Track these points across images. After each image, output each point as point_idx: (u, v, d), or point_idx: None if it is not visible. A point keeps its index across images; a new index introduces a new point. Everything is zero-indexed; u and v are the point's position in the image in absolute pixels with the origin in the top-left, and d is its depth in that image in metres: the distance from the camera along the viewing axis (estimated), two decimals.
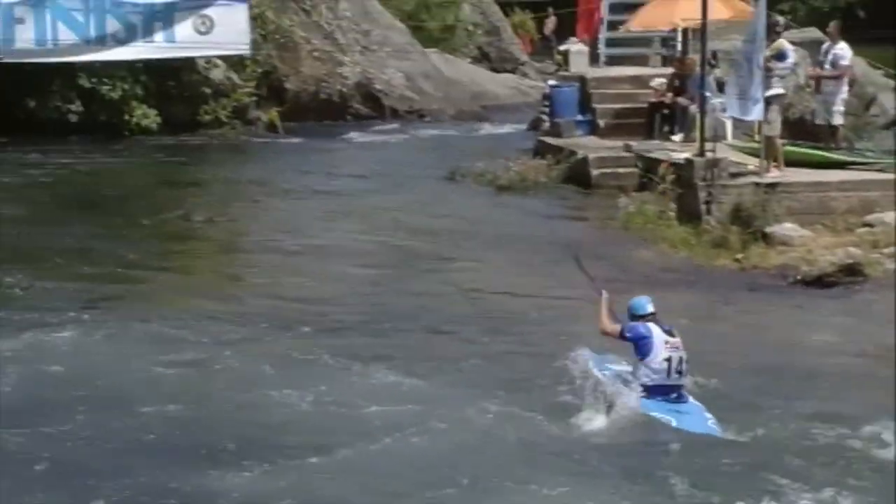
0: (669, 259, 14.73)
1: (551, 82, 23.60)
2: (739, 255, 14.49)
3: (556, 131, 21.48)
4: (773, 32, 16.50)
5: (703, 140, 16.26)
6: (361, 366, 10.57)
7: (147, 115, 24.58)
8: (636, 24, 21.79)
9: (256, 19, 25.76)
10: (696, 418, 9.01)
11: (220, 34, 23.58)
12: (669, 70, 21.23)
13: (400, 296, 13.19)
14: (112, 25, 22.90)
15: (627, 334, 9.26)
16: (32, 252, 14.95)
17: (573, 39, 25.00)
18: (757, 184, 15.55)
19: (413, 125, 28.64)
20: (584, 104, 21.58)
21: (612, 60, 23.69)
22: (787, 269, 13.84)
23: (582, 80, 22.00)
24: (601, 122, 21.26)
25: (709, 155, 15.86)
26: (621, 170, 19.02)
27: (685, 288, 13.64)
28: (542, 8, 35.35)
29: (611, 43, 23.81)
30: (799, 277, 13.61)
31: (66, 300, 12.63)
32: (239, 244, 16.72)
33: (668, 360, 9.10)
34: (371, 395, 9.84)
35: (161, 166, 22.26)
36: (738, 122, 18.26)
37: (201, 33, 23.48)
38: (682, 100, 19.75)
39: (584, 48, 23.74)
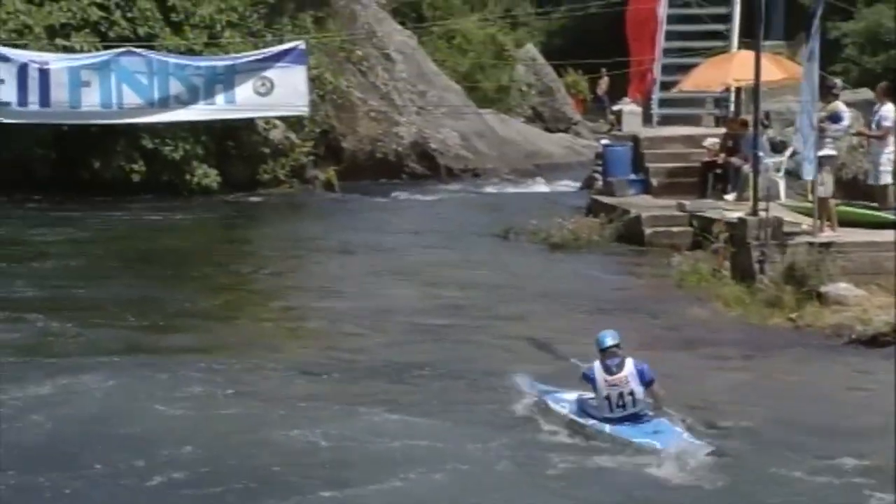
0: (723, 317, 14.79)
1: (604, 142, 23.82)
2: (793, 315, 14.50)
3: (609, 190, 21.66)
4: (829, 94, 16.65)
5: (756, 199, 16.34)
6: (386, 411, 10.84)
7: (207, 175, 25.05)
8: (689, 84, 21.98)
9: (315, 80, 26.23)
10: (668, 434, 9.70)
11: (279, 95, 24.03)
12: (722, 130, 21.38)
13: (442, 346, 13.38)
14: (175, 87, 23.44)
15: (583, 377, 10.24)
16: (87, 302, 15.54)
17: (626, 99, 25.23)
18: (811, 243, 15.59)
19: (467, 184, 28.94)
20: (637, 163, 21.77)
21: (665, 120, 23.89)
22: (841, 328, 13.83)
23: (635, 139, 22.20)
24: (654, 181, 21.41)
25: (762, 214, 15.92)
26: (674, 228, 19.14)
27: (739, 346, 13.70)
28: (595, 68, 35.60)
29: (663, 103, 24.01)
30: (853, 337, 13.60)
31: (107, 347, 13.10)
32: (287, 296, 17.00)
33: (608, 397, 9.91)
34: (396, 436, 10.15)
35: (219, 224, 22.72)
36: (791, 182, 18.36)
37: (261, 94, 23.95)
38: (735, 159, 19.89)
39: (637, 108, 23.95)
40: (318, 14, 29.10)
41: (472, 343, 13.57)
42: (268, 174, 26.25)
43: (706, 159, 20.55)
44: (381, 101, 30.15)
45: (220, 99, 23.80)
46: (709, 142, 20.82)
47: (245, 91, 23.89)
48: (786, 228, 15.96)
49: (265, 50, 24.50)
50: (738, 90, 22.00)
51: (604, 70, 35.29)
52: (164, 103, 23.49)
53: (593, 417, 10.04)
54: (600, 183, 22.54)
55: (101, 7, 24.45)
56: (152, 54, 23.55)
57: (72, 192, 24.07)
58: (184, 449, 9.99)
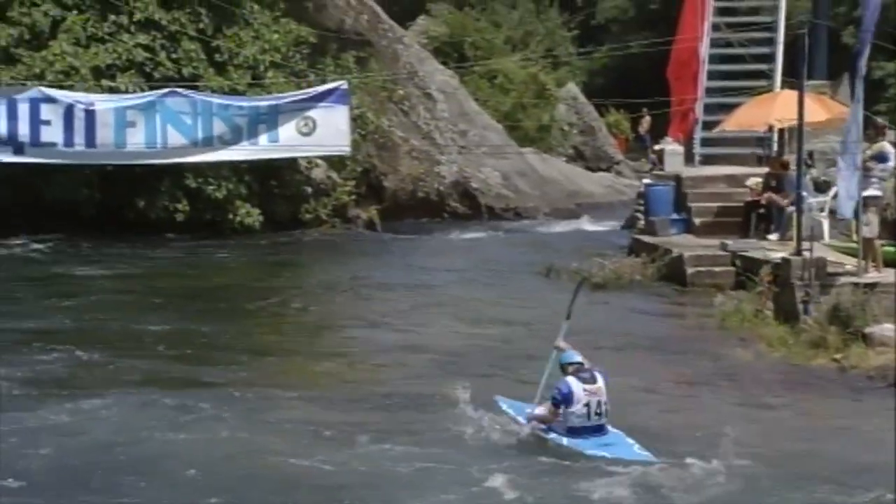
0: (766, 358, 14.68)
1: (646, 181, 23.78)
2: (838, 356, 14.37)
3: (651, 230, 21.60)
4: (878, 134, 16.56)
5: (799, 239, 16.26)
6: (399, 443, 10.93)
7: (250, 214, 25.22)
8: (732, 124, 21.92)
9: (357, 120, 26.38)
10: (623, 448, 10.32)
11: (321, 135, 24.10)
12: (765, 170, 21.30)
13: (473, 381, 13.30)
14: (219, 128, 23.56)
15: (557, 400, 10.59)
16: (121, 334, 15.85)
17: (668, 139, 25.20)
18: (855, 284, 15.47)
19: (509, 223, 28.99)
20: (680, 203, 21.71)
21: (708, 160, 23.84)
22: (886, 370, 13.67)
23: (677, 178, 22.15)
24: (697, 221, 21.35)
25: (806, 254, 15.83)
26: (717, 268, 19.06)
27: (783, 387, 13.59)
28: (637, 107, 35.64)
29: (706, 142, 23.96)
30: None
31: (133, 376, 13.40)
32: (321, 332, 17.10)
33: (588, 405, 10.50)
34: (401, 464, 10.31)
35: (260, 262, 22.85)
36: (835, 222, 18.24)
37: (304, 134, 24.03)
38: (778, 199, 19.79)
39: (679, 147, 23.92)
40: (361, 54, 29.35)
41: (503, 379, 13.50)
42: (310, 213, 26.42)
43: (749, 199, 20.47)
44: (423, 141, 30.30)
45: (263, 139, 23.89)
46: (752, 181, 20.74)
47: (288, 131, 23.98)
48: (830, 269, 15.86)
49: (308, 90, 24.61)
50: (782, 130, 21.92)
51: (645, 109, 35.35)
52: (208, 143, 23.62)
53: (554, 429, 10.61)
54: (642, 222, 22.48)
55: (147, 48, 24.76)
56: (196, 95, 23.72)
57: (117, 232, 24.37)
58: (188, 473, 10.15)
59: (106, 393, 12.50)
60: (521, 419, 11.11)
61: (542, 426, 10.80)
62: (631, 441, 10.46)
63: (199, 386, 13.12)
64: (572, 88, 40.08)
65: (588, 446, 10.36)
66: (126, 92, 24.01)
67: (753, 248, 18.85)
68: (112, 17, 24.79)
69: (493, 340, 15.81)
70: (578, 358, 10.74)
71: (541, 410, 10.91)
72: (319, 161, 26.57)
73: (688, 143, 24.09)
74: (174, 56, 25.02)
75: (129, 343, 15.26)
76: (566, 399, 10.54)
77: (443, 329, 16.54)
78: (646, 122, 37.95)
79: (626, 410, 12.33)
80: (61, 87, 23.30)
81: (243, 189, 25.31)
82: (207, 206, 25.03)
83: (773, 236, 19.51)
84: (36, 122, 22.73)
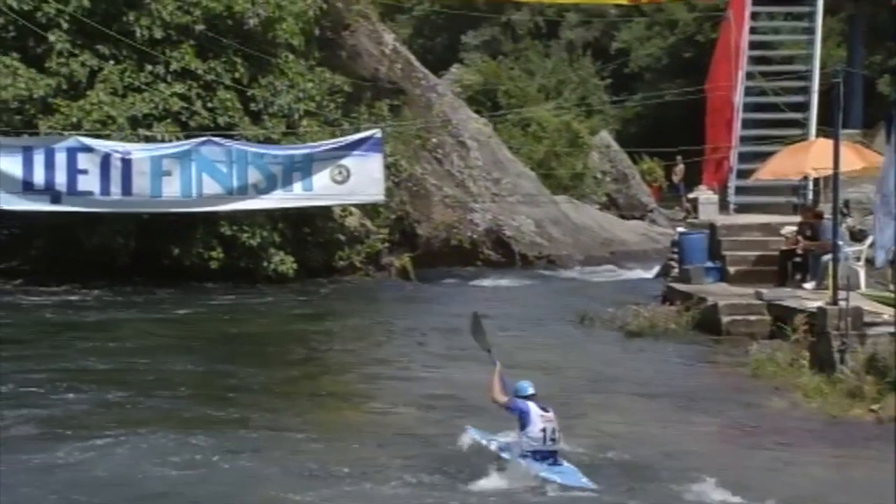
0: (802, 408, 14.52)
1: (680, 229, 23.72)
2: (875, 406, 14.21)
3: (685, 278, 21.52)
4: None
5: (835, 288, 16.12)
6: (401, 483, 11.09)
7: (284, 262, 25.30)
8: (766, 173, 21.84)
9: (390, 167, 26.50)
10: (573, 476, 11.11)
11: (355, 183, 24.26)
12: (800, 218, 21.20)
13: (496, 427, 13.34)
14: (253, 176, 23.76)
15: (511, 406, 11.36)
16: (150, 376, 16.06)
17: (702, 187, 25.16)
18: (892, 333, 15.31)
19: (542, 270, 28.96)
20: (714, 251, 21.62)
21: (742, 208, 23.76)
22: None
23: (711, 227, 22.08)
24: (731, 270, 21.25)
25: (842, 304, 15.70)
26: (752, 317, 18.94)
27: (819, 438, 13.43)
28: (671, 155, 35.65)
29: (740, 191, 23.90)
30: None
31: (155, 416, 13.68)
32: (347, 376, 17.11)
33: (544, 430, 11.17)
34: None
35: (293, 309, 22.86)
36: (871, 271, 18.11)
37: (338, 182, 24.18)
38: (813, 248, 19.69)
39: (713, 196, 23.87)
40: (395, 102, 29.53)
41: None
42: (343, 261, 26.49)
43: (784, 247, 20.37)
44: (456, 188, 30.38)
45: (297, 187, 24.07)
46: (787, 230, 20.65)
47: (322, 179, 24.15)
48: (866, 318, 15.70)
49: (342, 138, 24.82)
50: (817, 179, 21.83)
51: (679, 157, 35.37)
52: (243, 191, 23.81)
53: (524, 456, 11.26)
54: (676, 270, 22.41)
55: (183, 97, 25.00)
56: (232, 143, 23.95)
57: (152, 279, 24.52)
58: None
59: (124, 431, 12.76)
60: (491, 446, 11.73)
61: (504, 450, 11.53)
62: (581, 475, 11.12)
63: (217, 426, 13.23)
64: (605, 136, 40.15)
65: (541, 469, 11.08)
66: (162, 141, 24.23)
67: (789, 297, 18.73)
68: (149, 67, 25.06)
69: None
70: (532, 391, 11.45)
71: (501, 396, 11.58)
72: (353, 208, 26.67)
73: (722, 192, 24.04)
74: (210, 105, 25.25)
75: (155, 384, 15.47)
76: (523, 416, 11.18)
77: (471, 375, 16.46)
78: (679, 169, 37.94)
79: (661, 459, 12.27)
80: (98, 137, 23.58)
81: (277, 236, 25.41)
82: (242, 254, 25.13)
83: (809, 285, 19.38)
84: (73, 171, 23.03)
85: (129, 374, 16.21)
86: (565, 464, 11.32)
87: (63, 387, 15.14)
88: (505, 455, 11.47)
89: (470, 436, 12.00)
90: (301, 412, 14.29)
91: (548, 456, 11.20)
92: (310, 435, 12.97)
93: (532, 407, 11.21)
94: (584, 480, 11.03)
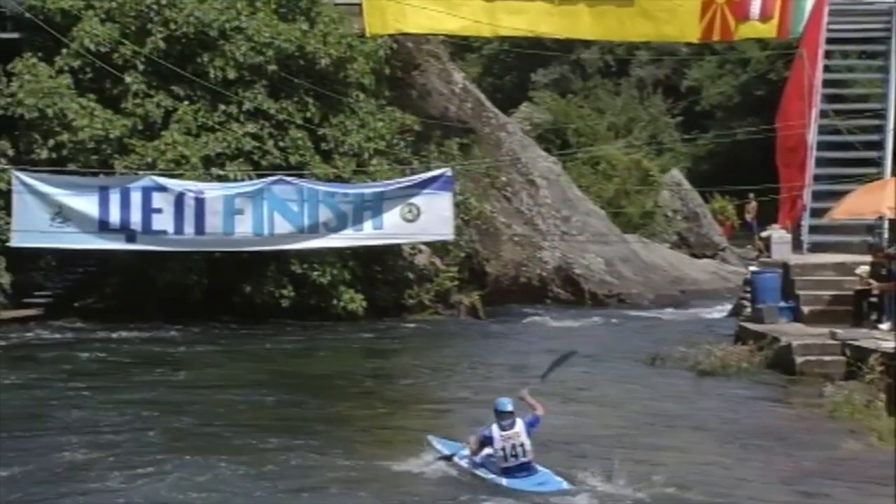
0: (877, 451, 14.24)
1: (753, 268, 23.47)
2: None
3: (758, 317, 21.27)
4: None
5: None
6: None
7: (354, 300, 25.39)
8: (841, 212, 21.54)
9: (460, 206, 26.55)
10: (552, 483, 12.12)
11: (425, 221, 24.37)
12: (876, 258, 20.89)
13: (561, 466, 13.25)
14: (324, 214, 23.95)
15: (482, 437, 12.60)
16: (215, 406, 16.61)
17: (775, 226, 24.89)
18: None
19: (612, 309, 28.79)
20: (787, 290, 21.36)
21: (816, 247, 23.46)
22: None
23: (784, 266, 21.83)
24: (805, 309, 20.97)
25: None
26: (826, 357, 18.64)
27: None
28: (743, 193, 35.33)
29: (814, 230, 23.62)
30: None
31: (210, 444, 14.24)
32: (411, 409, 17.15)
33: (503, 448, 12.36)
34: None
35: (362, 347, 22.95)
36: None
37: (408, 221, 24.30)
38: (889, 288, 19.38)
39: (787, 234, 23.60)
40: (464, 141, 29.64)
41: (588, 460, 13.31)
42: (413, 299, 26.54)
43: (859, 287, 20.07)
44: (526, 227, 30.37)
45: (367, 225, 24.22)
46: (861, 269, 20.35)
47: (392, 217, 24.29)
48: None
49: (412, 177, 24.95)
50: (893, 218, 21.50)
51: (752, 195, 35.02)
52: (314, 230, 24.00)
53: (491, 471, 12.42)
54: (749, 310, 22.17)
55: (255, 137, 25.30)
56: (303, 182, 24.18)
57: (223, 317, 24.74)
58: None
59: (178, 457, 13.38)
60: (456, 457, 12.90)
61: (481, 468, 12.62)
62: (559, 478, 12.21)
63: (268, 453, 13.69)
64: (676, 174, 39.93)
65: (525, 485, 12.12)
66: (234, 180, 24.52)
67: (864, 337, 18.43)
68: (222, 107, 25.41)
69: (591, 427, 15.63)
70: (510, 408, 12.51)
71: (472, 439, 12.78)
72: (423, 246, 26.75)
73: (796, 231, 23.76)
74: (281, 144, 25.52)
75: (222, 416, 16.00)
76: (487, 440, 12.52)
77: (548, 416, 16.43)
78: (752, 208, 37.54)
79: (731, 500, 12.10)
80: (172, 176, 23.91)
81: (347, 275, 25.53)
82: (312, 292, 25.29)
83: (885, 325, 19.07)
84: (148, 210, 23.39)
85: (196, 405, 16.61)
86: (540, 470, 12.36)
87: (132, 414, 15.83)
88: (480, 472, 12.57)
89: (435, 447, 13.27)
90: (362, 447, 14.36)
91: (519, 469, 12.32)
92: (368, 472, 13.02)
93: (494, 430, 12.43)
94: (565, 485, 12.05)
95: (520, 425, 12.41)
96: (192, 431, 15.01)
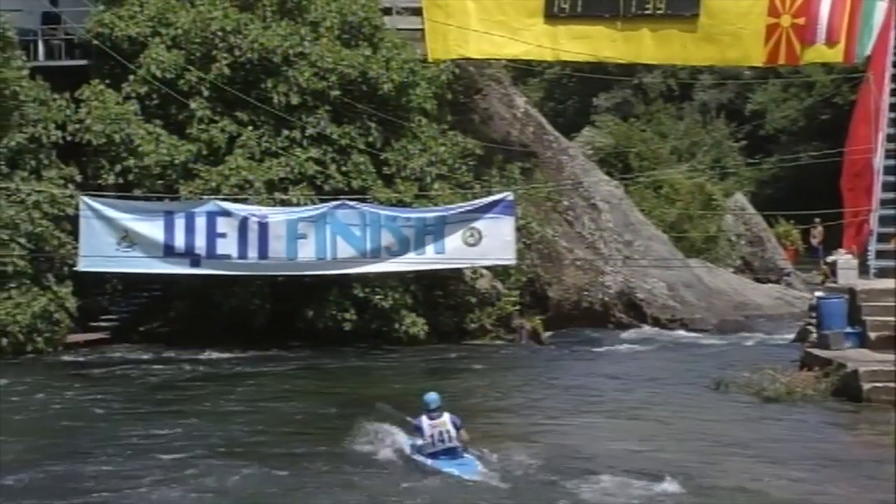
0: None
1: (819, 293, 23.17)
2: None
3: (823, 343, 21.00)
4: None
5: None
6: None
7: (415, 324, 25.42)
8: None
9: (521, 230, 26.53)
10: (470, 467, 14.12)
11: (487, 245, 24.35)
12: None
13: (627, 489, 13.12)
14: (386, 239, 24.02)
15: (414, 428, 14.80)
16: (271, 421, 17.54)
17: (840, 250, 24.59)
18: None
19: (675, 334, 28.55)
20: (854, 316, 21.07)
21: (883, 272, 23.12)
22: None
23: (851, 291, 21.55)
24: (872, 335, 20.66)
25: None
26: (894, 384, 18.36)
27: None
28: (808, 218, 34.98)
29: (881, 255, 23.29)
30: None
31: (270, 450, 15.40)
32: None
33: (432, 435, 14.44)
34: None
35: (423, 371, 22.90)
36: None
37: (470, 245, 24.30)
38: None
39: (853, 259, 23.30)
40: (526, 165, 29.64)
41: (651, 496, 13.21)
42: (474, 323, 26.51)
43: None
44: (587, 251, 30.26)
45: (429, 249, 24.25)
46: None
47: (454, 241, 24.30)
48: None
49: (474, 201, 24.96)
50: None
51: (817, 220, 34.66)
52: (376, 254, 24.07)
53: (421, 454, 14.53)
54: (814, 335, 21.88)
55: (318, 162, 25.48)
56: (365, 207, 24.28)
57: (286, 341, 24.87)
58: None
59: (238, 468, 14.38)
60: (406, 449, 14.91)
61: (417, 454, 14.62)
62: (479, 464, 14.17)
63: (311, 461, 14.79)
64: (740, 199, 39.64)
65: (446, 466, 14.13)
66: (297, 204, 24.68)
67: None
68: (285, 132, 25.63)
69: (654, 452, 15.51)
70: (435, 405, 14.53)
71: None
72: (484, 271, 26.73)
73: (862, 256, 23.46)
74: (344, 169, 25.68)
75: (278, 431, 16.72)
76: (418, 429, 14.60)
77: (597, 438, 16.35)
78: (818, 232, 37.16)
79: None
80: (236, 201, 24.12)
81: (409, 299, 25.58)
82: (374, 316, 25.36)
83: None
84: (212, 234, 23.59)
85: (255, 417, 17.35)
86: (467, 457, 14.34)
87: (193, 424, 16.90)
88: (416, 457, 14.62)
89: (385, 413, 16.11)
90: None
91: (446, 452, 14.34)
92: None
93: (424, 420, 14.55)
94: (481, 469, 13.97)
95: (446, 416, 14.55)
96: (249, 445, 15.78)
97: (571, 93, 62.72)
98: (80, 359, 23.72)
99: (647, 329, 28.94)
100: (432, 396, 14.69)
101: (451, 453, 14.36)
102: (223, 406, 18.65)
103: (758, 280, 35.34)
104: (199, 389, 20.22)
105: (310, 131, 25.61)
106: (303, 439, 16.24)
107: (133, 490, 13.54)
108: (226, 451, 15.47)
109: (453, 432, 14.43)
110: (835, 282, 23.14)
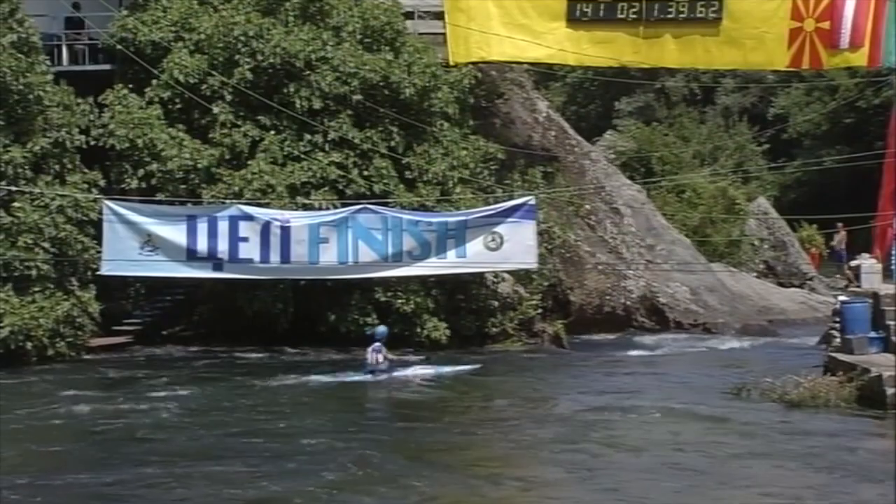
0: None
1: (842, 298, 23.06)
2: None
3: (847, 348, 20.90)
4: None
5: None
6: None
7: (437, 328, 25.42)
8: None
9: (543, 234, 26.49)
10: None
11: (508, 250, 24.33)
12: None
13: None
14: (408, 243, 24.02)
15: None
16: (284, 432, 17.25)
17: (864, 255, 24.48)
18: None
19: (698, 338, 28.46)
20: (878, 321, 20.97)
21: None
22: None
23: (875, 296, 21.44)
24: None
25: None
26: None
27: None
28: (832, 222, 34.83)
29: None
30: None
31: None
32: (490, 443, 17.12)
33: (367, 358, 21.01)
34: None
35: (444, 376, 22.87)
36: None
37: (491, 249, 24.29)
38: None
39: (877, 264, 23.20)
40: (548, 169, 29.59)
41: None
42: (496, 327, 26.48)
43: None
44: (610, 255, 30.19)
45: (451, 254, 24.24)
46: None
47: (476, 246, 24.29)
48: None
49: (496, 206, 24.95)
50: None
51: (840, 224, 34.48)
52: (398, 258, 24.09)
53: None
54: (838, 340, 21.77)
55: (340, 166, 25.51)
56: (387, 211, 24.30)
57: (308, 344, 24.90)
58: None
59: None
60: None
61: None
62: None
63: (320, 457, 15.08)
64: (763, 203, 39.50)
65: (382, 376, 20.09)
66: (320, 208, 24.72)
67: None
68: (308, 137, 25.68)
69: (676, 458, 15.46)
70: (379, 336, 20.97)
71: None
72: (506, 275, 26.69)
73: (886, 260, 23.35)
74: (366, 173, 25.70)
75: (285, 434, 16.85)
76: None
77: (633, 451, 16.26)
78: (841, 236, 36.98)
79: None
80: (258, 205, 24.18)
81: (431, 303, 25.58)
82: (396, 320, 25.33)
83: None
84: (235, 238, 23.65)
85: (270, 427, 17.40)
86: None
87: (214, 422, 17.28)
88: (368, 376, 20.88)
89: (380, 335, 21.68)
90: (432, 476, 14.56)
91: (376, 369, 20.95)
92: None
93: (369, 350, 21.44)
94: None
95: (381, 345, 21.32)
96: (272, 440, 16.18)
97: (593, 97, 62.63)
98: (104, 362, 23.80)
99: (669, 334, 28.84)
100: (381, 329, 20.69)
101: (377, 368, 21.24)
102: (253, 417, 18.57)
103: (781, 284, 35.22)
104: (229, 391, 20.41)
105: (332, 136, 25.65)
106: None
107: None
108: (271, 455, 15.53)
109: (387, 354, 21.19)
110: (858, 286, 23.04)
